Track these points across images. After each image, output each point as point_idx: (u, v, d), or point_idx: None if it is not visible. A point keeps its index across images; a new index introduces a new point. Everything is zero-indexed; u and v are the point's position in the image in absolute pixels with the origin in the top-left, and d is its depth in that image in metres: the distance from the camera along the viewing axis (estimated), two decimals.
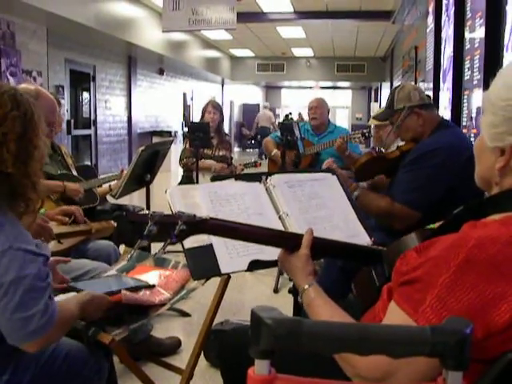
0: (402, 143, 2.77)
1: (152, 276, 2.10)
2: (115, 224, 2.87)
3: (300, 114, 20.25)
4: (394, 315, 1.07)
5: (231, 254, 1.62)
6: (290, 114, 20.72)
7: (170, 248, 4.31)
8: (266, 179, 1.83)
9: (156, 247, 1.79)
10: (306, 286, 1.34)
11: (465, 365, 0.78)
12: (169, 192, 1.68)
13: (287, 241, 1.44)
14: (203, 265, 1.60)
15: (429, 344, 0.78)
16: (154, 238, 1.25)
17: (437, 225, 1.29)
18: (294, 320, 0.79)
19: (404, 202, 2.39)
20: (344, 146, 3.97)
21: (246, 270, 1.63)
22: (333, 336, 0.79)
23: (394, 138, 3.20)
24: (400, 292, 1.08)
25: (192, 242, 1.60)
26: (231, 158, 5.18)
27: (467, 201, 1.20)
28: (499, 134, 1.11)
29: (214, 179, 1.85)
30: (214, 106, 5.18)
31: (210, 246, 1.61)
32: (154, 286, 1.98)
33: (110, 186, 3.58)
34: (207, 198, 1.69)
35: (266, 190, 1.81)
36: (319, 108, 4.84)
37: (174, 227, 1.26)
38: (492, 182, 1.16)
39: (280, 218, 1.74)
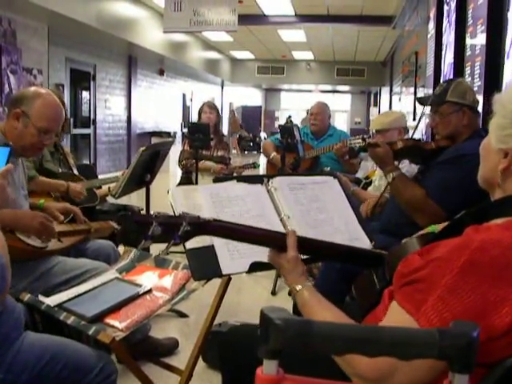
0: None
1: (152, 276, 2.11)
2: (116, 225, 2.88)
3: (289, 117, 20.16)
4: (395, 314, 1.08)
5: (233, 255, 1.61)
6: (290, 117, 20.71)
7: (170, 248, 4.30)
8: (268, 181, 1.83)
9: (156, 248, 1.81)
10: (299, 287, 1.34)
11: (471, 368, 0.79)
12: (171, 192, 1.68)
13: (273, 240, 1.44)
14: (204, 266, 1.60)
15: (437, 347, 0.78)
16: (157, 238, 1.25)
17: (440, 226, 1.31)
18: (303, 321, 0.80)
19: (437, 199, 2.38)
20: (343, 150, 3.98)
21: (246, 272, 1.63)
22: (342, 337, 0.79)
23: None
24: (402, 292, 1.09)
25: (194, 242, 1.60)
26: (229, 159, 5.19)
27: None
28: (505, 137, 1.14)
29: (215, 181, 1.85)
30: (210, 106, 5.20)
31: (212, 246, 1.61)
32: (150, 290, 1.98)
33: (109, 187, 3.59)
34: (209, 200, 1.69)
35: (268, 192, 1.81)
36: (320, 114, 4.84)
37: (179, 228, 1.26)
38: (495, 184, 1.18)
39: (281, 220, 1.73)
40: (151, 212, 1.28)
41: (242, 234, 1.41)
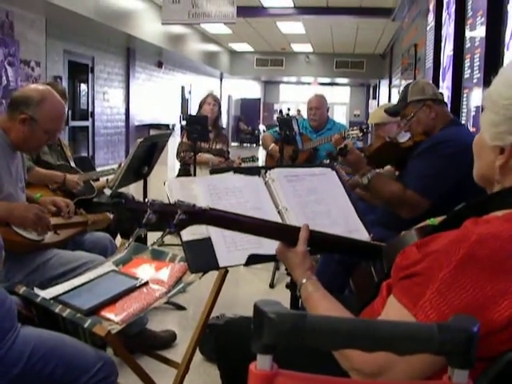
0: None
1: (148, 269, 2.09)
2: (111, 216, 2.87)
3: (299, 111, 20.17)
4: (393, 309, 1.06)
5: (229, 248, 1.60)
6: (289, 109, 20.66)
7: (167, 241, 4.28)
8: (266, 173, 1.82)
9: (153, 239, 1.80)
10: (304, 281, 1.33)
11: (472, 363, 0.77)
12: (167, 184, 1.67)
13: (285, 234, 1.43)
14: (201, 258, 1.59)
15: (436, 342, 0.76)
16: (152, 226, 1.23)
17: (439, 219, 1.29)
18: (298, 315, 0.78)
19: (415, 189, 2.38)
20: (341, 141, 3.97)
21: (244, 265, 1.62)
22: (338, 331, 0.77)
23: (403, 132, 3.15)
24: (399, 286, 1.07)
25: (190, 234, 1.59)
26: (228, 152, 5.17)
27: (472, 198, 1.19)
28: (500, 133, 1.10)
29: (212, 172, 1.84)
30: (214, 99, 5.17)
31: (208, 239, 1.60)
32: (147, 282, 1.96)
33: (107, 179, 3.58)
34: (206, 191, 1.68)
35: (265, 183, 1.80)
36: (319, 109, 4.81)
37: (173, 216, 1.24)
38: (493, 180, 1.15)
39: (279, 212, 1.73)
40: (146, 199, 1.25)
41: (240, 225, 1.39)
